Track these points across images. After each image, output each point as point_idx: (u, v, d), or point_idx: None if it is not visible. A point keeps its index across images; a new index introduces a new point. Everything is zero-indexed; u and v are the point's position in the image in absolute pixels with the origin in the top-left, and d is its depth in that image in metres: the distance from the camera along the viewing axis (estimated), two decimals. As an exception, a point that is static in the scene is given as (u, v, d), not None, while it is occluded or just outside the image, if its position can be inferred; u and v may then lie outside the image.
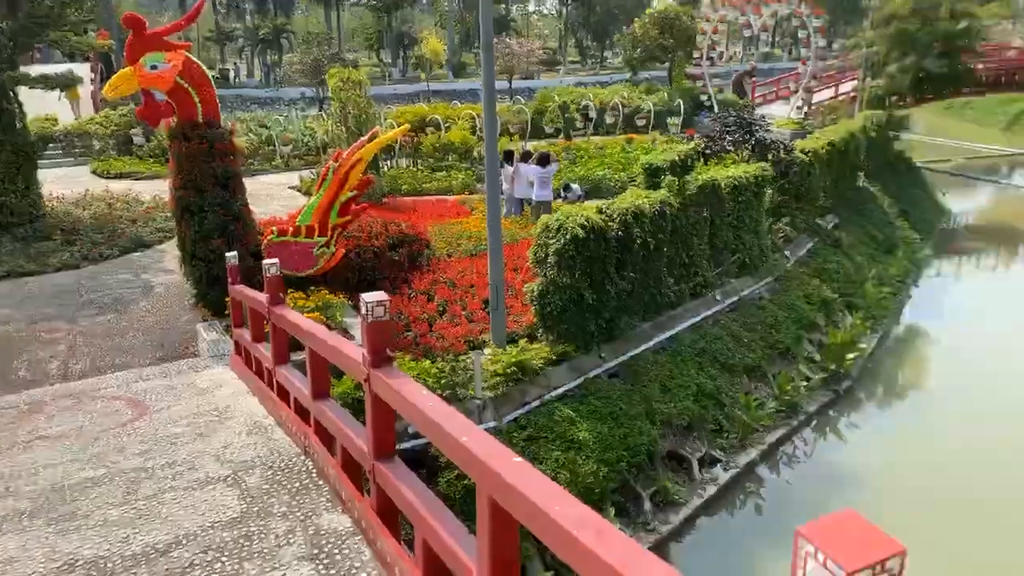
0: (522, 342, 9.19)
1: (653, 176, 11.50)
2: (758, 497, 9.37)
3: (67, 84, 15.79)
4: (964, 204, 24.73)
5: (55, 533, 3.81)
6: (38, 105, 19.65)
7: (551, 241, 9.17)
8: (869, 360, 12.72)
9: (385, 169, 19.29)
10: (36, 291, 11.19)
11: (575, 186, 15.93)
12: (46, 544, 3.71)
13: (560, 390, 8.79)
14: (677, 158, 11.76)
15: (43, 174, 14.61)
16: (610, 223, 9.47)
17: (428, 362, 8.28)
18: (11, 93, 13.64)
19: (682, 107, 25.47)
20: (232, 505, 3.99)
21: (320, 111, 30.76)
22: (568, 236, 8.99)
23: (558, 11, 69.95)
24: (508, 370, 8.51)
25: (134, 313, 10.52)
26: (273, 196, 17.57)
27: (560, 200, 15.17)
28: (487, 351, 8.94)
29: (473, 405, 8.06)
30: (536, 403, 8.56)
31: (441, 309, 10.05)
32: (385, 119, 21.39)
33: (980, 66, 26.52)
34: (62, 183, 17.77)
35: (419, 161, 20.52)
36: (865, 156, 19.35)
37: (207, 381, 6.91)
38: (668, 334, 10.57)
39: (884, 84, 24.25)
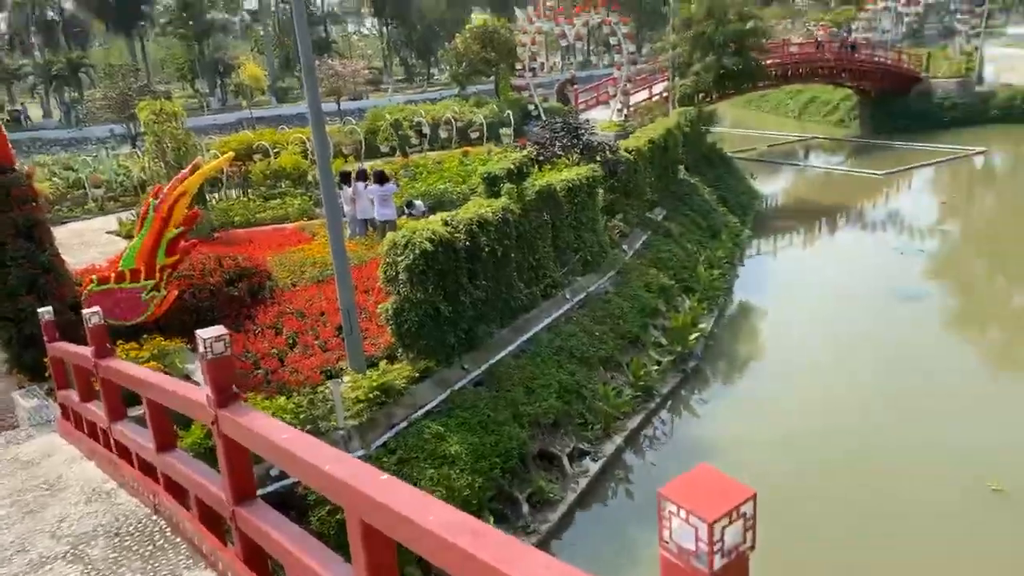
0: (382, 364, 9.01)
1: (492, 185, 11.72)
2: (627, 482, 9.77)
3: None
4: (772, 187, 27.25)
5: None
6: None
7: (400, 258, 9.08)
8: (710, 338, 13.67)
9: (213, 202, 18.28)
10: None
11: (418, 202, 15.89)
12: None
13: (427, 407, 8.70)
14: (513, 166, 12.05)
15: None
16: (457, 234, 9.52)
17: (283, 398, 7.90)
18: None
19: (512, 117, 26.16)
20: (75, 584, 3.59)
21: (134, 148, 28.63)
22: (417, 251, 8.94)
23: (379, 31, 69.68)
24: (371, 395, 8.30)
25: (-69, 390, 9.23)
26: (89, 243, 16.08)
27: (404, 217, 15.06)
28: (346, 378, 8.68)
29: (338, 436, 7.79)
30: (403, 424, 8.42)
31: (291, 342, 9.64)
32: (208, 150, 20.28)
33: (769, 62, 29.40)
34: None
35: (250, 191, 19.62)
36: (682, 150, 20.81)
37: (32, 452, 6.18)
38: (526, 337, 10.79)
39: (691, 83, 26.23)
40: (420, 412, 8.60)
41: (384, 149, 24.86)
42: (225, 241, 14.56)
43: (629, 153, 16.18)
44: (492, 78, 32.70)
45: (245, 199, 18.98)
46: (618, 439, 10.28)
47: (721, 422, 11.04)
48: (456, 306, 9.54)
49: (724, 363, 13.26)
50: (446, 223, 9.70)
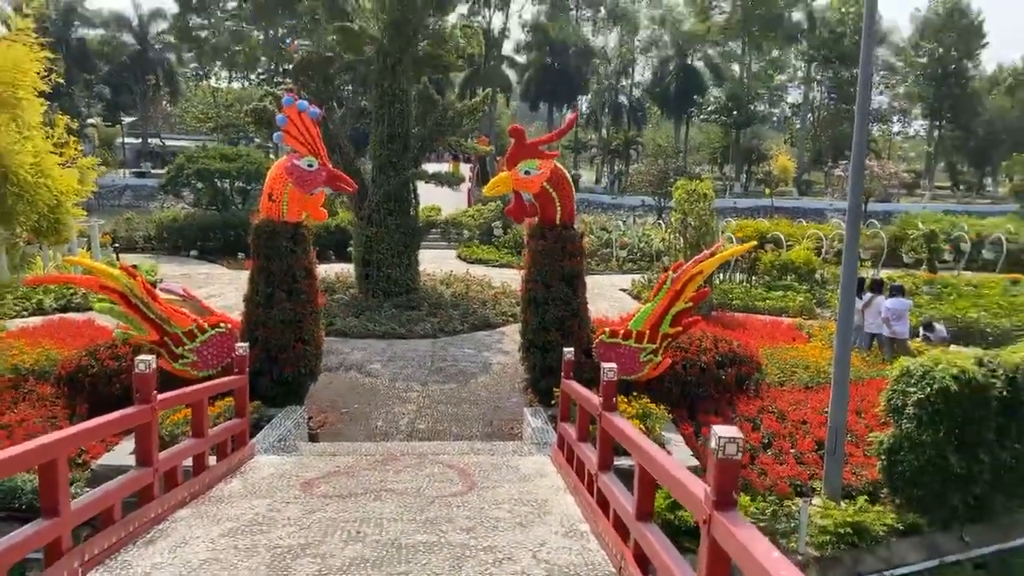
0: (860, 499, 8.01)
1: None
2: None
3: (453, 182, 18.44)
4: None
5: (390, 591, 4.11)
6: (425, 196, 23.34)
7: (912, 389, 7.96)
8: None
9: (716, 282, 18.96)
10: (400, 353, 12.92)
11: (939, 325, 13.87)
12: (382, 600, 4.01)
13: (904, 569, 7.40)
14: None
15: (421, 254, 17.07)
16: (993, 379, 7.93)
17: (747, 499, 7.61)
18: (412, 186, 16.39)
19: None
20: (545, 610, 3.93)
21: (659, 220, 31.74)
22: (935, 387, 7.73)
23: (927, 133, 64.03)
24: (841, 529, 7.43)
25: (471, 386, 11.52)
26: (603, 295, 18.30)
27: (919, 339, 13.33)
28: (816, 501, 7.96)
29: (794, 560, 7.13)
30: (871, 576, 7.31)
31: (766, 442, 9.28)
32: (723, 232, 21.20)
33: None
34: (433, 263, 20.66)
35: (754, 277, 19.81)
36: None
37: (529, 468, 7.14)
38: (1061, 530, 8.36)
39: None
40: (896, 572, 7.34)
41: (908, 260, 22.60)
42: (720, 321, 14.92)
43: None
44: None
45: (748, 285, 19.24)
46: None
47: None
48: (971, 463, 7.90)
49: None
50: (981, 363, 8.15)
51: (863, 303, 13.67)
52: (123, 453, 7.77)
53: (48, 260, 17.27)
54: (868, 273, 17.77)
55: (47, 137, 7.68)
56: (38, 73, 7.56)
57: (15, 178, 6.97)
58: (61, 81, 8.23)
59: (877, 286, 13.93)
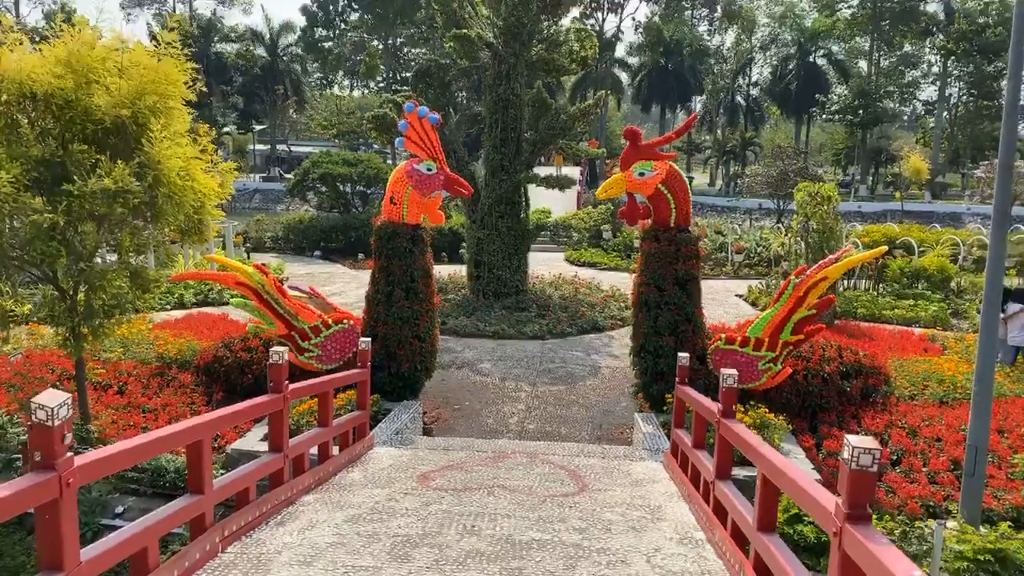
0: (1003, 526, 7.37)
1: None
2: None
3: (564, 185, 18.50)
4: None
5: (505, 586, 4.18)
6: (534, 199, 23.47)
7: (1067, 409, 7.27)
8: None
9: (840, 289, 18.00)
10: (510, 353, 13.08)
11: (1097, 342, 12.57)
12: (498, 593, 4.08)
13: (1056, 605, 6.75)
14: None
15: (529, 257, 17.19)
16: None
17: (874, 517, 7.17)
18: (523, 189, 16.55)
19: None
20: (659, 616, 3.87)
21: (777, 223, 30.48)
22: (1095, 407, 7.03)
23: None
24: (980, 556, 6.86)
25: (580, 389, 11.50)
26: (718, 301, 17.80)
27: (1071, 356, 12.15)
28: (951, 524, 7.40)
29: (928, 585, 6.68)
30: (1016, 612, 6.71)
31: (895, 458, 8.72)
32: (848, 237, 20.14)
33: None
34: (542, 265, 20.78)
35: (882, 285, 18.66)
36: None
37: (641, 473, 7.05)
38: None
39: None
40: (1046, 608, 6.71)
41: (1059, 269, 20.57)
42: (844, 330, 14.16)
43: None
44: None
45: (875, 293, 18.16)
46: None
47: None
48: None
49: None
50: None
51: (1006, 314, 12.62)
52: (253, 439, 8.29)
53: (188, 258, 18.69)
54: (1012, 282, 16.35)
55: (194, 143, 8.29)
56: (185, 83, 8.16)
57: (166, 179, 7.58)
58: (204, 89, 8.86)
59: (1021, 296, 12.82)
